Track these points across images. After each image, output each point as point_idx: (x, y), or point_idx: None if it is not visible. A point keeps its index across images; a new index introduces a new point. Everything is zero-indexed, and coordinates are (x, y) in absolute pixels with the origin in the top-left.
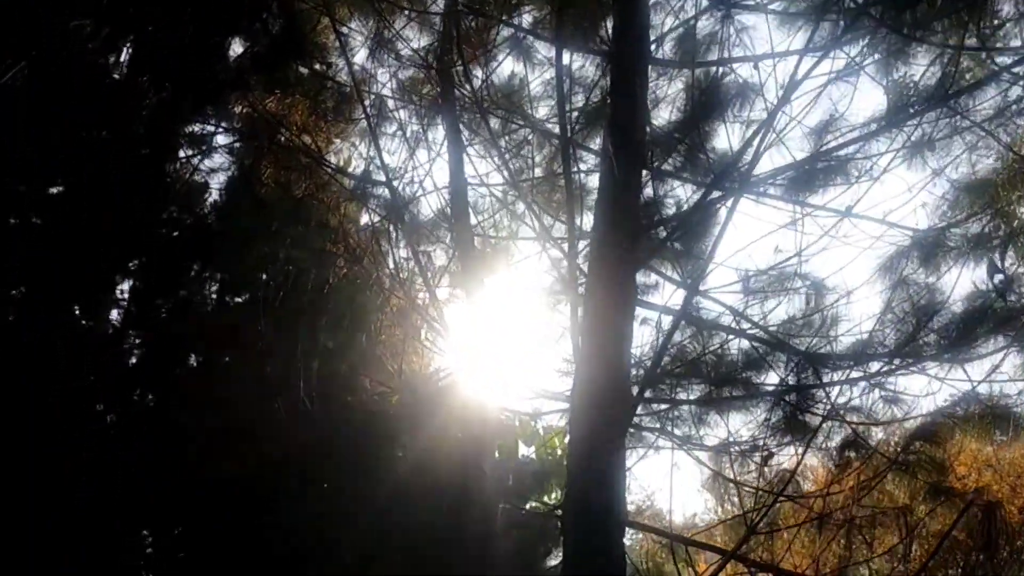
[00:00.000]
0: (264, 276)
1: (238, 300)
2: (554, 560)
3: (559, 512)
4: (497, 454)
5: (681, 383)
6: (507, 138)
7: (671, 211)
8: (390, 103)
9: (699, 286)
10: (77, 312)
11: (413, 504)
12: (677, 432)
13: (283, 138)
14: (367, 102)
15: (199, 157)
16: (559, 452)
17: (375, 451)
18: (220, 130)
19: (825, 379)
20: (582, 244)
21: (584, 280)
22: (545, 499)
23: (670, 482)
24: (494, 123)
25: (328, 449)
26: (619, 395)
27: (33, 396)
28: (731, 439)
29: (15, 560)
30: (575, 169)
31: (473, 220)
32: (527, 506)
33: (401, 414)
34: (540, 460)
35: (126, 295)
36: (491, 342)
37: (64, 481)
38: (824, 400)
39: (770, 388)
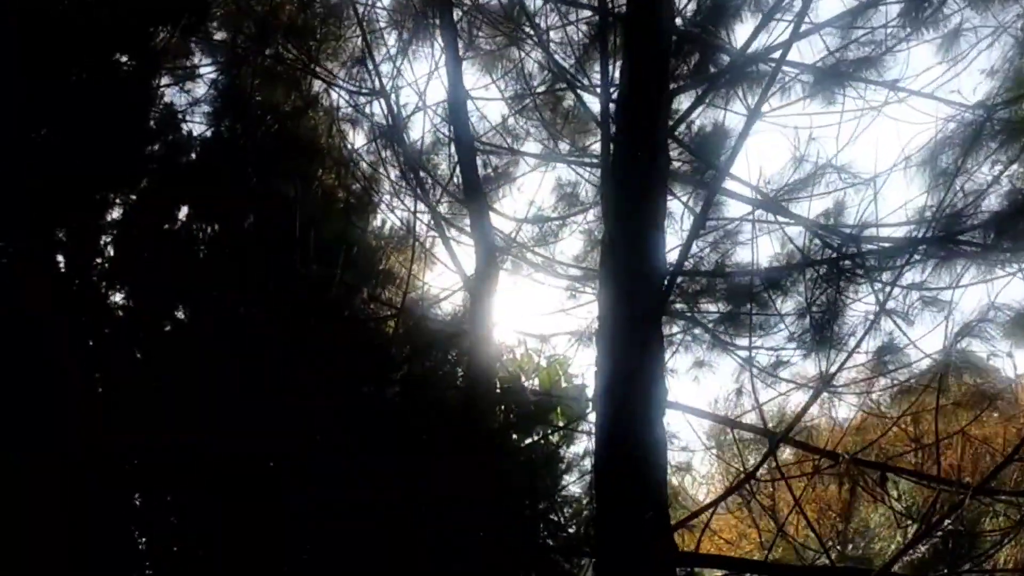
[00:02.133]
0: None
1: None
2: (567, 479)
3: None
4: (499, 385)
5: (712, 287)
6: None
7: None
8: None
9: (728, 168)
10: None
11: (417, 432)
12: (709, 327)
13: (269, 50)
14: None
15: (180, 88)
16: (563, 382)
17: (375, 378)
18: (202, 58)
19: (861, 277)
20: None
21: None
22: (549, 430)
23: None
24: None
25: (324, 380)
26: (653, 272)
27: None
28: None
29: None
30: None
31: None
32: (532, 434)
33: (402, 338)
34: (545, 387)
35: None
36: (496, 264)
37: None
38: (865, 281)
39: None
